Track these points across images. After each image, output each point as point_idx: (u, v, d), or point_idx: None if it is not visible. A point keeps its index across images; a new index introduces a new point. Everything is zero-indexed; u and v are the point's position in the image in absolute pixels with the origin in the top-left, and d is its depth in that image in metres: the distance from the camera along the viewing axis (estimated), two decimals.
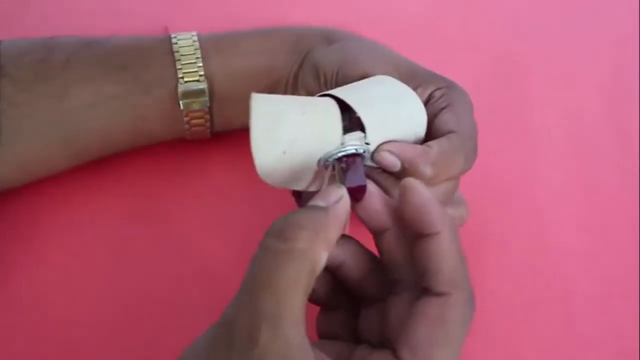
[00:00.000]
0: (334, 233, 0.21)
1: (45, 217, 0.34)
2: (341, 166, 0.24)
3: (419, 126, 0.27)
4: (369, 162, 0.25)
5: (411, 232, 0.22)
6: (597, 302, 0.34)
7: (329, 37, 0.33)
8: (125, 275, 0.33)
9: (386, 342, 0.22)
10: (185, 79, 0.31)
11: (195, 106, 0.32)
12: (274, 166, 0.23)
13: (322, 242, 0.20)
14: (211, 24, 0.35)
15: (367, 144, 0.25)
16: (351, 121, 0.25)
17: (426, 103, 0.28)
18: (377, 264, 0.24)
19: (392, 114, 0.26)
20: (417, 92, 0.27)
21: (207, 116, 0.33)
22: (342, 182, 0.23)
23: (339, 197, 0.21)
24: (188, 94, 0.31)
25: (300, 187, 0.25)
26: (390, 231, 0.23)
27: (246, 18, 0.38)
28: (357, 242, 0.24)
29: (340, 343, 0.24)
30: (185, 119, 0.32)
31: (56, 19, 0.49)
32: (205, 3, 0.47)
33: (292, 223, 0.20)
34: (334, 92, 0.25)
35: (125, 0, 0.47)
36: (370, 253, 0.24)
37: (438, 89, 0.29)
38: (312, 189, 0.25)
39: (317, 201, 0.21)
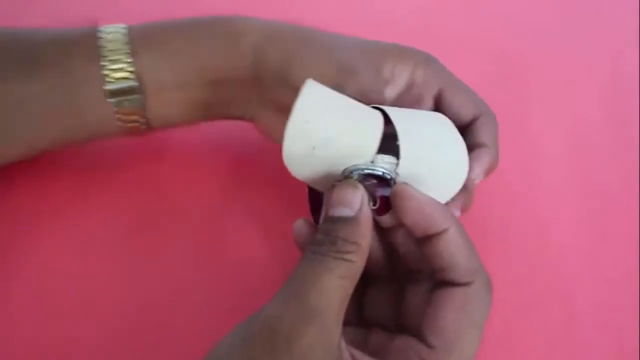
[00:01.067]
0: (369, 239, 0.22)
1: (46, 220, 0.34)
2: (369, 183, 0.23)
3: (456, 179, 0.26)
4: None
5: (418, 234, 0.23)
6: (597, 302, 0.34)
7: (271, 33, 0.29)
8: (128, 278, 0.33)
9: (406, 328, 0.23)
10: (113, 76, 0.28)
11: (127, 104, 0.29)
12: (300, 158, 0.23)
13: (364, 252, 0.21)
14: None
15: (396, 173, 0.24)
16: (390, 145, 0.24)
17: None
18: (392, 250, 0.25)
19: (433, 156, 0.24)
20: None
21: (142, 114, 0.30)
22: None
23: (360, 200, 0.22)
24: (117, 93, 0.28)
25: (318, 187, 0.25)
26: (402, 229, 0.24)
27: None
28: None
29: (352, 329, 0.25)
30: (117, 116, 0.30)
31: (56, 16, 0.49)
32: None
33: (342, 234, 0.21)
34: (388, 110, 0.24)
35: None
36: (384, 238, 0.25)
37: (417, 66, 0.28)
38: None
39: (342, 209, 0.22)
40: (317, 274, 0.20)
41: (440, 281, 0.23)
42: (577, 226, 0.37)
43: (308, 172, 0.23)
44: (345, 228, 0.21)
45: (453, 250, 0.22)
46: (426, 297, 0.23)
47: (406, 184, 0.23)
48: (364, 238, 0.21)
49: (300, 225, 0.25)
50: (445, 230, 0.22)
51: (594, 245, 0.37)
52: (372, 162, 0.23)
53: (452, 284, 0.22)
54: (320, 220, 0.24)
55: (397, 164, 0.23)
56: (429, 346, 0.21)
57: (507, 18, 0.50)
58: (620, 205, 0.39)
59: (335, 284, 0.20)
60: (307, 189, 0.27)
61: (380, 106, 0.24)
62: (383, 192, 0.23)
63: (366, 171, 0.23)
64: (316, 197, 0.27)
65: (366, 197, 0.22)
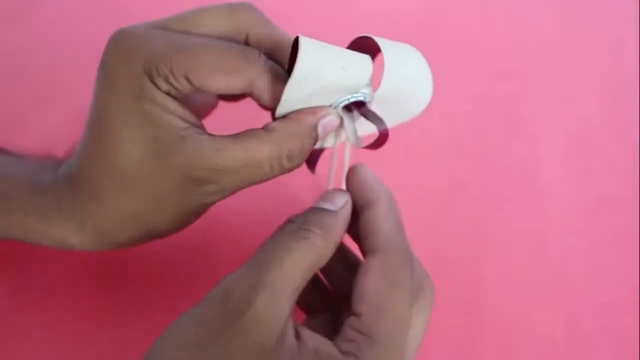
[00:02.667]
0: (340, 235, 0.24)
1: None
2: (362, 113, 0.25)
3: (420, 102, 0.28)
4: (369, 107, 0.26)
5: (359, 207, 0.25)
6: (597, 303, 0.34)
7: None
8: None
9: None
10: None
11: None
12: (293, 103, 0.24)
13: (332, 243, 0.23)
14: None
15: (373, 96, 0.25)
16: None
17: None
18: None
19: (406, 86, 0.26)
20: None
21: None
22: (349, 131, 0.25)
23: (345, 201, 0.24)
24: None
25: None
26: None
27: None
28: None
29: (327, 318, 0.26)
30: None
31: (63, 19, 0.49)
32: None
33: (312, 220, 0.23)
34: (382, 44, 0.25)
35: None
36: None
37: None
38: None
39: (326, 204, 0.24)
40: (279, 250, 0.21)
41: (364, 252, 0.24)
42: (577, 227, 0.37)
43: (297, 109, 0.25)
44: (321, 216, 0.23)
45: (380, 218, 0.24)
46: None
47: (361, 165, 0.25)
48: (336, 230, 0.23)
49: None
50: (377, 203, 0.24)
51: (594, 245, 0.37)
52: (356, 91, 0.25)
53: (371, 252, 0.23)
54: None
55: (373, 92, 0.25)
56: (357, 314, 0.22)
57: (507, 18, 0.50)
58: (621, 205, 0.39)
59: (295, 264, 0.21)
60: None
61: (369, 35, 0.25)
62: (375, 116, 0.25)
63: (351, 100, 0.25)
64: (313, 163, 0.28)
65: (350, 203, 0.24)
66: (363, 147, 0.26)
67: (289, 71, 0.24)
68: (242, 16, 0.25)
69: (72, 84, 0.43)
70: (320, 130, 0.25)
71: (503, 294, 0.34)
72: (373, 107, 0.26)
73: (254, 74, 0.23)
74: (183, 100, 0.24)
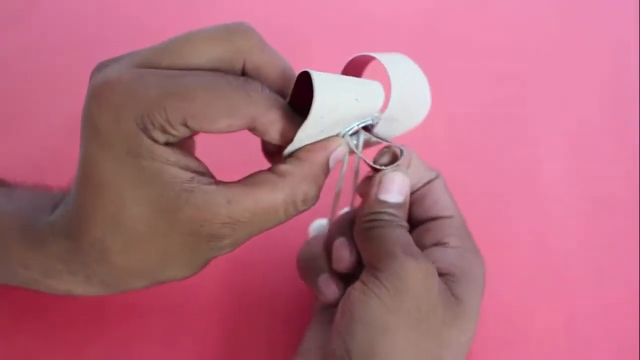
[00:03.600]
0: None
1: None
2: (367, 139, 0.26)
3: (421, 112, 0.28)
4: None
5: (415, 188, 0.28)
6: (597, 304, 0.34)
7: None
8: None
9: None
10: None
11: None
12: (304, 139, 0.23)
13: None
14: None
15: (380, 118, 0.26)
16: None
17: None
18: None
19: (410, 101, 0.27)
20: None
21: None
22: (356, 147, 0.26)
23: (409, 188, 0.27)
24: None
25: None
26: None
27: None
28: None
29: None
30: None
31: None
32: None
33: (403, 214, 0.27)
34: (393, 78, 0.25)
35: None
36: None
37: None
38: None
39: (396, 195, 0.26)
40: (405, 235, 0.25)
41: (424, 220, 0.28)
42: (577, 228, 0.37)
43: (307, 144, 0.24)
44: (402, 209, 0.26)
45: (440, 190, 0.28)
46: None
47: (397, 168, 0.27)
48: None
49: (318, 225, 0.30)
50: (435, 178, 0.28)
51: (594, 247, 0.37)
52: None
53: (435, 218, 0.27)
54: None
55: (379, 115, 0.25)
56: (449, 217, 0.28)
57: (507, 20, 0.50)
58: (621, 207, 0.39)
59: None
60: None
61: (372, 54, 0.25)
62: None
63: (360, 126, 0.25)
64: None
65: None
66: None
67: (291, 103, 0.23)
68: (239, 41, 0.23)
69: (71, 85, 0.43)
70: (332, 163, 0.24)
71: (503, 295, 0.34)
72: (378, 126, 0.26)
73: (257, 113, 0.22)
74: (180, 143, 0.22)
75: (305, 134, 0.23)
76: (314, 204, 0.24)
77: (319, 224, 0.32)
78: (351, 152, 0.26)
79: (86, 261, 0.24)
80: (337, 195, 0.28)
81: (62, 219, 0.24)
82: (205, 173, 0.23)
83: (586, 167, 0.41)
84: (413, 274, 0.23)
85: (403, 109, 0.26)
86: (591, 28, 0.50)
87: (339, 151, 0.25)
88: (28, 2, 0.49)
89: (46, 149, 0.39)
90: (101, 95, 0.21)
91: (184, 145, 0.24)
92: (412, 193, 0.28)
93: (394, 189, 0.26)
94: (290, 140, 0.23)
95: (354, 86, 0.24)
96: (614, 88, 0.45)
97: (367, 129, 0.26)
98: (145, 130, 0.21)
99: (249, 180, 0.23)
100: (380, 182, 0.26)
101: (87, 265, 0.24)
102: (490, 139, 0.42)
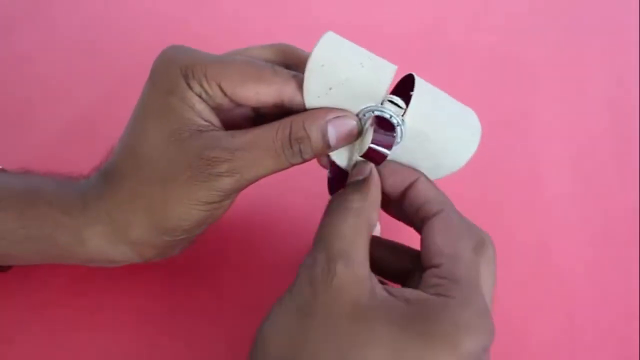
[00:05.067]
0: (377, 195, 0.26)
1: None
2: (374, 124, 0.25)
3: (457, 158, 0.27)
4: (397, 138, 0.26)
5: (401, 190, 0.27)
6: (598, 308, 0.34)
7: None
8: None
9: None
10: None
11: None
12: (317, 96, 0.25)
13: (373, 201, 0.25)
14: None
15: (403, 120, 0.25)
16: (403, 96, 0.26)
17: None
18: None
19: (441, 123, 0.26)
20: None
21: None
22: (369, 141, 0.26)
23: (370, 167, 0.26)
24: None
25: None
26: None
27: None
28: None
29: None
30: None
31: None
32: None
33: (349, 191, 0.25)
34: (417, 77, 0.26)
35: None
36: None
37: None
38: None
39: (355, 176, 0.26)
40: (334, 224, 0.24)
41: (420, 220, 0.26)
42: (579, 234, 0.38)
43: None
44: (355, 185, 0.25)
45: (424, 189, 0.27)
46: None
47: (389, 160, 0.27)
48: (371, 191, 0.25)
49: None
50: (416, 179, 0.27)
51: (596, 253, 0.37)
52: (382, 104, 0.25)
53: (429, 216, 0.26)
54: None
55: (404, 112, 0.25)
56: (436, 265, 0.24)
57: (509, 31, 0.51)
58: (623, 214, 0.39)
59: (351, 228, 0.24)
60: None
61: (412, 73, 0.26)
62: (387, 139, 0.25)
63: (376, 112, 0.25)
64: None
65: (374, 168, 0.26)
66: (361, 157, 0.26)
67: None
68: (280, 46, 0.28)
69: (69, 91, 0.43)
70: (331, 129, 0.25)
71: (506, 303, 0.34)
72: (401, 141, 0.26)
73: (281, 82, 0.25)
74: (219, 110, 0.26)
75: (315, 89, 0.25)
76: (303, 153, 0.26)
77: None
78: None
79: (100, 189, 0.27)
80: None
81: (100, 170, 0.28)
82: (222, 129, 0.26)
83: (589, 173, 0.41)
84: (309, 268, 0.23)
85: (431, 125, 0.26)
86: (595, 38, 0.50)
87: (344, 121, 0.26)
88: (25, 9, 0.49)
89: (43, 154, 0.38)
90: (166, 52, 0.27)
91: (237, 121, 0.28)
92: (416, 220, 0.27)
93: (355, 172, 0.26)
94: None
95: (362, 52, 0.25)
96: (618, 98, 0.46)
97: (392, 128, 0.25)
98: (185, 77, 0.25)
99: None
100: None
101: (100, 194, 0.27)
102: (493, 149, 0.42)
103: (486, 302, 0.24)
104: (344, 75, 0.25)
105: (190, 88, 0.25)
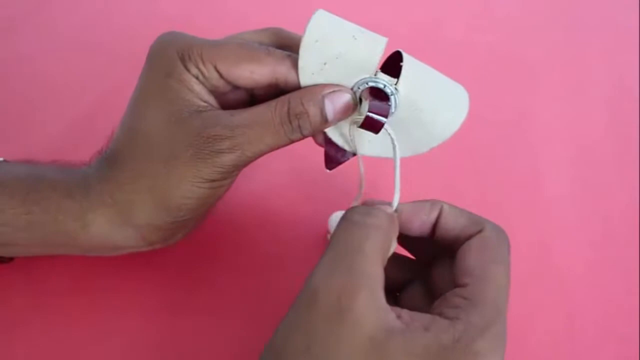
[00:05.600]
0: (396, 229, 0.25)
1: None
2: (369, 96, 0.26)
3: (448, 127, 0.27)
4: (392, 108, 0.26)
5: (427, 228, 0.26)
6: (599, 310, 0.34)
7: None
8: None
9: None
10: None
11: None
12: (312, 72, 0.26)
13: (394, 229, 0.24)
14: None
15: (396, 89, 0.26)
16: (394, 68, 0.26)
17: None
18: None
19: (433, 91, 0.27)
20: None
21: None
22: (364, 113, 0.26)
23: (394, 209, 0.26)
24: None
25: None
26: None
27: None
28: None
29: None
30: None
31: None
32: None
33: (375, 209, 0.24)
34: (402, 52, 0.26)
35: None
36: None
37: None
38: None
39: (384, 207, 0.25)
40: (359, 242, 0.22)
41: (459, 245, 0.25)
42: (579, 234, 0.38)
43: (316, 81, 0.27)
44: (382, 209, 0.25)
45: (454, 216, 0.26)
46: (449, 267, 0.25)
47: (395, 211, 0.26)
48: (396, 224, 0.25)
49: (336, 218, 0.28)
50: (440, 210, 0.26)
51: (596, 253, 0.37)
52: (376, 74, 0.26)
53: (467, 237, 0.25)
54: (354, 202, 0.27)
55: (396, 82, 0.26)
56: (463, 285, 0.23)
57: (510, 31, 0.51)
58: (623, 213, 0.39)
59: (376, 251, 0.22)
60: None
61: (399, 50, 0.27)
62: (383, 107, 0.26)
63: (370, 83, 0.26)
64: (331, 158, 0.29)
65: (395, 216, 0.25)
66: (359, 127, 0.27)
67: None
68: (273, 30, 0.29)
69: (71, 92, 0.43)
70: (328, 104, 0.26)
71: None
72: (395, 111, 0.26)
73: (275, 62, 0.26)
74: (217, 92, 0.27)
75: (310, 64, 0.26)
76: (302, 129, 0.26)
77: (337, 217, 0.32)
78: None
79: (102, 172, 0.27)
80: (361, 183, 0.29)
81: (102, 155, 0.28)
82: (219, 109, 0.27)
83: (588, 173, 0.41)
84: (319, 290, 0.22)
85: (422, 93, 0.26)
86: (595, 37, 0.50)
87: (340, 95, 0.26)
88: (26, 9, 0.49)
89: (44, 153, 0.38)
90: (162, 37, 0.27)
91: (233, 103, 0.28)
92: (455, 248, 0.25)
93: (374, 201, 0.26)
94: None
95: (354, 27, 0.26)
96: (618, 98, 0.46)
97: (387, 98, 0.26)
98: (182, 59, 0.26)
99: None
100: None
101: (102, 177, 0.27)
102: (493, 149, 0.42)
103: (505, 323, 0.23)
104: (337, 49, 0.25)
105: (188, 70, 0.26)
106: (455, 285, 0.23)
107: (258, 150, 0.26)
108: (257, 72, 0.26)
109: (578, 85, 0.46)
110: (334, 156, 0.29)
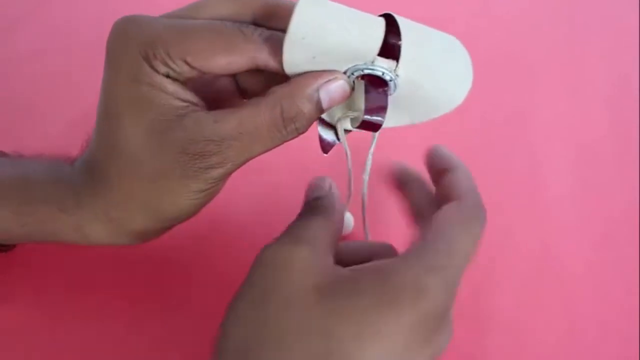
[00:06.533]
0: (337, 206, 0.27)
1: None
2: (365, 83, 0.24)
3: (454, 97, 0.26)
4: (391, 91, 0.24)
5: (437, 172, 0.28)
6: (599, 310, 0.34)
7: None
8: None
9: None
10: None
11: None
12: (300, 65, 0.23)
13: (335, 213, 0.26)
14: None
15: (397, 75, 0.24)
16: (393, 49, 0.24)
17: None
18: None
19: (435, 67, 0.24)
20: None
21: None
22: (361, 102, 0.24)
23: (329, 185, 0.28)
24: None
25: None
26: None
27: None
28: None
29: None
30: None
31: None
32: None
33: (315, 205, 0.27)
34: (396, 17, 0.24)
35: None
36: None
37: None
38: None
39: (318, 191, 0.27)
40: (305, 220, 0.25)
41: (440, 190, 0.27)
42: (579, 234, 0.38)
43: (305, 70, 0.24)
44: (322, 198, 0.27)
45: (462, 176, 0.26)
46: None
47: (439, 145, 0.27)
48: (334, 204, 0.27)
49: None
50: (458, 165, 0.27)
51: (596, 253, 0.37)
52: (373, 62, 0.23)
53: (454, 198, 0.25)
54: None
55: (396, 67, 0.23)
56: (422, 239, 0.23)
57: (511, 28, 0.51)
58: (623, 213, 0.39)
59: (319, 224, 0.25)
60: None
61: (390, 12, 0.24)
62: (380, 99, 0.24)
63: (366, 71, 0.23)
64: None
65: (333, 184, 0.28)
66: (356, 128, 0.25)
67: None
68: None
69: (71, 90, 0.43)
70: (324, 96, 0.24)
71: (506, 302, 0.34)
72: (394, 93, 0.24)
73: (253, 48, 0.23)
74: (190, 82, 0.24)
75: (297, 58, 0.23)
76: (299, 131, 0.24)
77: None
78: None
79: (92, 189, 0.25)
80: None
81: (81, 158, 0.27)
82: (201, 105, 0.24)
83: (589, 174, 0.41)
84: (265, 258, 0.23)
85: (424, 71, 0.24)
86: (595, 37, 0.50)
87: (335, 86, 0.24)
88: (27, 9, 0.49)
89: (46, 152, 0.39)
90: (118, 27, 0.24)
91: (207, 90, 0.25)
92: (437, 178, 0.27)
93: (313, 188, 0.28)
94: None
95: (346, 14, 0.23)
96: (618, 98, 0.46)
97: (385, 84, 0.24)
98: (147, 59, 0.23)
99: (239, 104, 0.24)
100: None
101: (93, 194, 0.25)
102: (493, 149, 0.42)
103: (455, 263, 0.23)
104: (329, 44, 0.22)
105: (156, 70, 0.23)
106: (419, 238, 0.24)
107: (249, 158, 0.24)
108: (234, 62, 0.23)
109: (578, 85, 0.46)
110: (327, 139, 0.27)
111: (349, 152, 0.26)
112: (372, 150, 0.26)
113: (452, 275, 0.22)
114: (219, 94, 0.27)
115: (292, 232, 0.24)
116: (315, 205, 0.26)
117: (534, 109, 0.44)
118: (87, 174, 0.26)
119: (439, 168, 0.27)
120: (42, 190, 0.26)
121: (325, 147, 0.27)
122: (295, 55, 0.23)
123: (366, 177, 0.27)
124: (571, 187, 0.40)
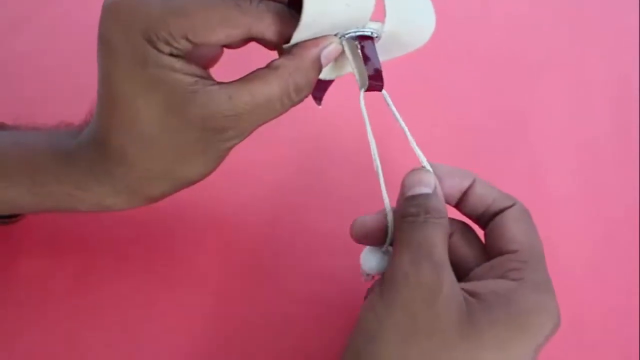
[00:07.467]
0: (445, 208, 0.26)
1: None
2: (359, 48, 0.26)
3: (425, 33, 0.30)
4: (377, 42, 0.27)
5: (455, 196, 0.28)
6: (601, 310, 0.34)
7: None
8: None
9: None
10: None
11: None
12: (301, 38, 0.26)
13: (445, 217, 0.26)
14: None
15: (384, 31, 0.27)
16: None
17: None
18: None
19: (410, 17, 0.28)
20: None
21: None
22: (357, 65, 0.26)
23: (434, 180, 0.26)
24: None
25: None
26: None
27: None
28: None
29: None
30: None
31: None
32: None
33: (429, 206, 0.25)
34: None
35: None
36: None
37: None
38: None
39: (422, 187, 0.26)
40: (429, 236, 0.24)
41: (490, 215, 0.27)
42: (580, 234, 0.38)
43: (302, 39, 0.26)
44: (431, 201, 0.25)
45: (485, 190, 0.27)
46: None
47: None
48: (443, 206, 0.26)
49: (361, 222, 0.28)
50: (473, 182, 0.27)
51: (597, 253, 0.37)
52: (364, 25, 0.27)
53: (501, 209, 0.27)
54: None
55: (382, 27, 0.27)
56: (513, 251, 0.25)
57: (512, 30, 0.51)
58: (624, 214, 0.39)
59: (442, 241, 0.24)
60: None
61: None
62: (373, 54, 0.27)
63: (358, 33, 0.26)
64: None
65: (435, 179, 0.26)
66: (366, 90, 0.27)
67: (293, 4, 0.25)
68: None
69: (72, 91, 0.43)
70: (324, 60, 0.26)
71: None
72: (378, 42, 0.27)
73: (250, 20, 0.24)
74: (188, 56, 0.25)
75: (302, 37, 0.25)
76: (307, 95, 0.26)
77: (370, 252, 0.29)
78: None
79: (110, 168, 0.26)
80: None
81: (87, 136, 0.27)
82: (208, 77, 0.26)
83: (591, 175, 0.41)
84: (409, 283, 0.23)
85: (403, 24, 0.27)
86: (596, 37, 0.50)
87: (331, 48, 0.26)
88: (27, 9, 0.49)
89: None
90: (112, 14, 0.24)
91: (195, 57, 0.25)
92: (486, 223, 0.27)
93: (415, 182, 0.26)
94: (288, 40, 0.25)
95: None
96: (619, 98, 0.46)
97: (370, 39, 0.27)
98: (150, 42, 0.23)
99: (247, 77, 0.25)
100: (403, 182, 0.27)
101: (111, 172, 0.27)
102: (493, 149, 0.42)
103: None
104: (334, 20, 0.25)
105: (160, 51, 0.24)
106: (505, 252, 0.25)
107: (260, 125, 0.26)
108: (232, 35, 0.24)
109: (578, 85, 0.46)
110: (316, 87, 0.28)
111: (367, 118, 0.27)
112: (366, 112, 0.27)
113: (551, 283, 0.26)
114: (206, 56, 0.28)
115: (429, 255, 0.24)
116: (426, 207, 0.25)
117: (534, 109, 0.44)
118: (99, 153, 0.27)
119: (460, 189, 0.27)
120: (54, 172, 0.27)
121: (318, 99, 0.29)
122: (302, 35, 0.25)
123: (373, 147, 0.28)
124: (571, 187, 0.40)
